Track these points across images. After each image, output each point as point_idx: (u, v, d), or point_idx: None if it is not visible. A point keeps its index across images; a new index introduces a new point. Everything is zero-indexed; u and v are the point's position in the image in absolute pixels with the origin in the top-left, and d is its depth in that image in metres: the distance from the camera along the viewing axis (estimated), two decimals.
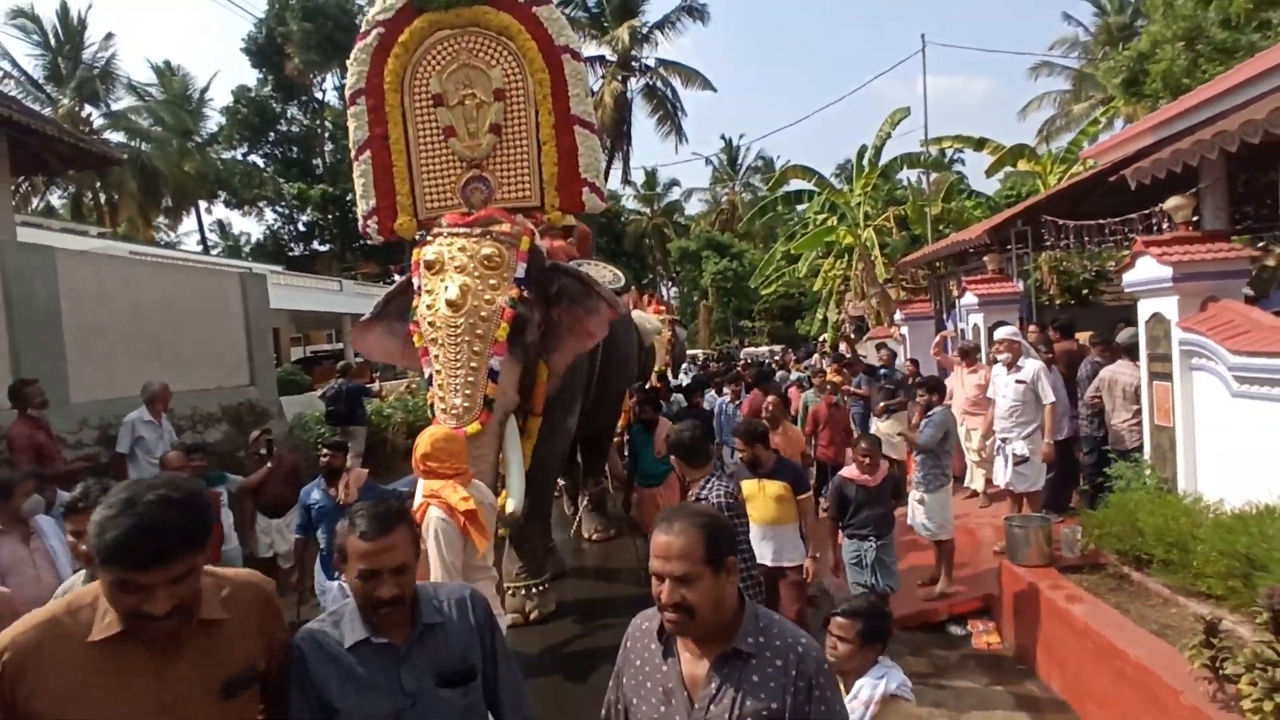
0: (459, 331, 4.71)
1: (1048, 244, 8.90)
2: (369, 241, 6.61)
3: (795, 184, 17.08)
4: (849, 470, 4.91)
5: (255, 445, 6.10)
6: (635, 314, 9.26)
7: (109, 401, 6.32)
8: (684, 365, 14.79)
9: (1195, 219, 5.77)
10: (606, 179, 32.26)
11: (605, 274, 6.05)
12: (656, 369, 10.86)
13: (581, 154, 5.77)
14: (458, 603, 1.87)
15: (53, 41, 26.26)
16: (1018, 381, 6.00)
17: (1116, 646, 3.79)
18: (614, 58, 29.81)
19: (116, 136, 26.83)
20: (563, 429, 6.00)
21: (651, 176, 43.97)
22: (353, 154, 5.99)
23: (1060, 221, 8.24)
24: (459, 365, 4.70)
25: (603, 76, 29.62)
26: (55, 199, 28.48)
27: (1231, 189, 6.94)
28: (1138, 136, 8.23)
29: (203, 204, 31.18)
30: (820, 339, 19.54)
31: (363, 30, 6.00)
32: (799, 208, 17.81)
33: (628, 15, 29.16)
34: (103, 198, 27.28)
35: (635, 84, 30.83)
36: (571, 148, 5.75)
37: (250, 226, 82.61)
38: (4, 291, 5.64)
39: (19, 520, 3.65)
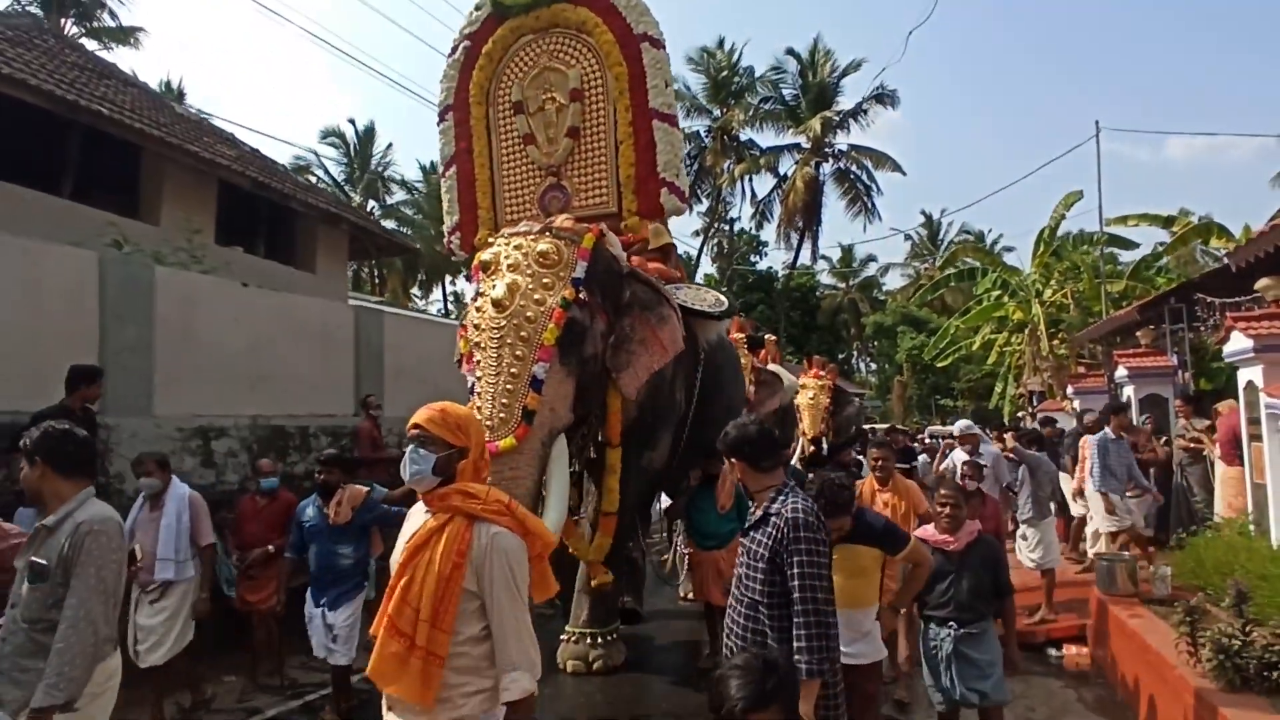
0: (501, 333, 4.13)
1: (1201, 320, 9.21)
2: (453, 258, 6.47)
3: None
4: (926, 529, 3.79)
5: None
6: (770, 366, 8.93)
7: (406, 416, 8.95)
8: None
9: None
10: (796, 257, 33.23)
11: (707, 297, 5.41)
12: (807, 434, 9.74)
13: (660, 150, 5.28)
14: None
15: (350, 152, 33.28)
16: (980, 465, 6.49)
17: (1146, 643, 4.67)
18: (808, 145, 31.73)
19: (389, 224, 33.09)
20: (638, 466, 5.16)
21: (848, 252, 44.81)
22: (440, 170, 5.80)
23: (1209, 299, 8.66)
24: (498, 372, 4.10)
25: (796, 162, 31.61)
26: None
27: None
28: None
29: (448, 278, 36.88)
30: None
31: (451, 46, 5.90)
32: (970, 284, 18.27)
33: (822, 106, 31.06)
34: (376, 273, 33.57)
35: (827, 168, 32.46)
36: (649, 144, 5.28)
37: None
38: (355, 339, 8.49)
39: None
